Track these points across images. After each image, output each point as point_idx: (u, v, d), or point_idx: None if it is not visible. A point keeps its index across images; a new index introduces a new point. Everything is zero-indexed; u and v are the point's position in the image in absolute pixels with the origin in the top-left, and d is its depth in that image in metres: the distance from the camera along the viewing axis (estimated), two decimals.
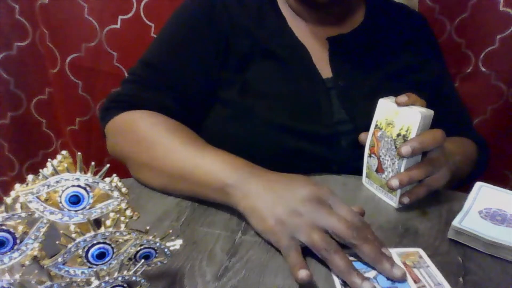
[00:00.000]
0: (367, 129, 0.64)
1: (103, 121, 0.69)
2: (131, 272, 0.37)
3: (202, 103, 0.71)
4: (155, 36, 0.77)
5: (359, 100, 0.71)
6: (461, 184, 0.77)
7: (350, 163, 0.69)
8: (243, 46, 0.69)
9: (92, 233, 0.34)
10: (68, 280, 0.35)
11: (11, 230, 0.33)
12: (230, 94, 0.69)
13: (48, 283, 0.35)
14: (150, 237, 0.38)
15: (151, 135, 0.61)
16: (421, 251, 0.49)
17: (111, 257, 0.36)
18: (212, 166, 0.55)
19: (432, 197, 0.60)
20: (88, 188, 0.34)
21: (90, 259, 0.35)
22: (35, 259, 0.34)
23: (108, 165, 0.36)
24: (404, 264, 0.46)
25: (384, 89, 0.71)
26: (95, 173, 0.35)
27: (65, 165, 0.37)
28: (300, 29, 0.74)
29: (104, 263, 0.36)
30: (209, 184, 0.54)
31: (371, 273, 0.45)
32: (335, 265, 0.43)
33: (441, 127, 0.58)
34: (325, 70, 0.72)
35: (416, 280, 0.44)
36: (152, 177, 0.61)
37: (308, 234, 0.45)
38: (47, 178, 0.33)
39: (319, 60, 0.72)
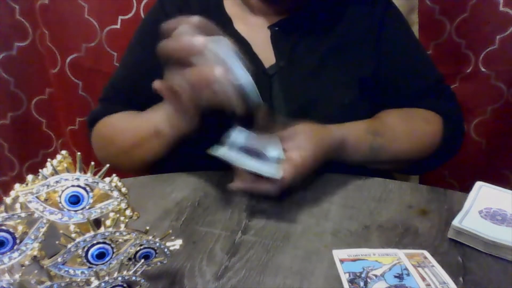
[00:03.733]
0: (300, 112, 0.68)
1: (89, 139, 0.81)
2: (131, 272, 0.37)
3: None
4: None
5: (301, 80, 0.72)
6: (426, 164, 0.75)
7: None
8: None
9: (92, 233, 0.34)
10: (68, 280, 0.35)
11: (11, 230, 0.33)
12: None
13: (48, 283, 0.35)
14: (150, 237, 0.38)
15: (106, 134, 0.75)
16: (426, 253, 0.49)
17: (111, 257, 0.36)
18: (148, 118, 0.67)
19: (432, 197, 0.60)
20: (87, 188, 0.34)
21: (90, 259, 0.35)
22: (35, 259, 0.34)
23: (108, 165, 0.36)
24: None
25: (327, 65, 0.72)
26: (95, 173, 0.35)
27: (65, 165, 0.37)
28: (248, 26, 0.75)
29: (104, 263, 0.36)
30: (150, 131, 0.65)
31: (378, 271, 0.45)
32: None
33: (396, 97, 0.66)
34: (270, 59, 0.73)
35: (421, 279, 0.44)
36: (124, 158, 0.71)
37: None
38: (46, 178, 0.33)
39: (264, 51, 0.73)
